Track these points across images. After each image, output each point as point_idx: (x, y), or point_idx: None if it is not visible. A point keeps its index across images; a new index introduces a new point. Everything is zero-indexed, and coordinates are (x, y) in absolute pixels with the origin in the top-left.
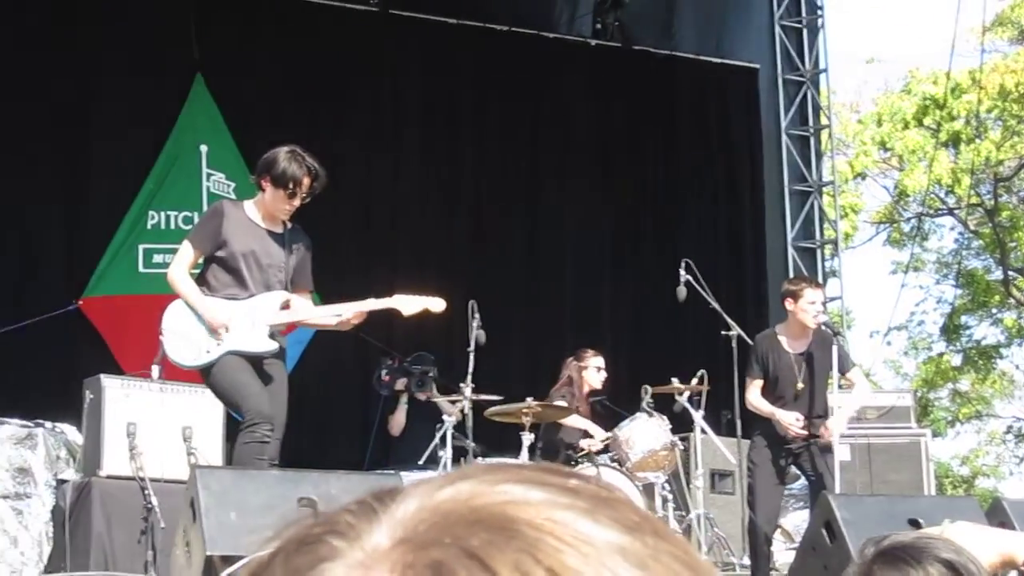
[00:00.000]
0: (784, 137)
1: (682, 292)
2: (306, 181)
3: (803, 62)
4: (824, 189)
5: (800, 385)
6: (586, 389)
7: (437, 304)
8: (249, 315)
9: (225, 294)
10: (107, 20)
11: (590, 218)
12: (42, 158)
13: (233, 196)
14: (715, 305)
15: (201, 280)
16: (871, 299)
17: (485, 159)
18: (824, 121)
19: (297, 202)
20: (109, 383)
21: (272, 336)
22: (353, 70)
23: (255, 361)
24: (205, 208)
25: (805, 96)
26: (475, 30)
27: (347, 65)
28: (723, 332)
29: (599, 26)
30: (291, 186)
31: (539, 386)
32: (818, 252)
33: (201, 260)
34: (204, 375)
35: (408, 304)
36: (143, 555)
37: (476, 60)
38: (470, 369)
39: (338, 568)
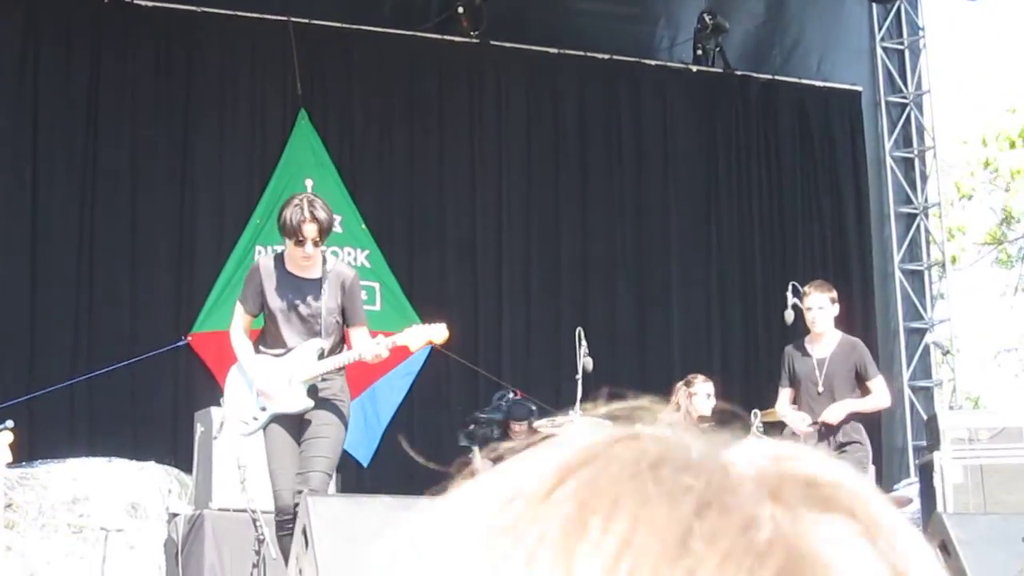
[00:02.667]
0: (888, 159)
1: (789, 316)
2: (307, 228)
3: (906, 83)
4: (930, 211)
5: (820, 389)
6: (696, 416)
7: (439, 333)
8: (286, 374)
9: (273, 352)
10: (211, 57)
11: (695, 243)
12: (151, 195)
13: (340, 229)
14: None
15: (259, 337)
16: (980, 321)
17: (588, 186)
18: (928, 143)
19: (308, 249)
20: (220, 416)
21: (312, 391)
22: (454, 101)
23: (298, 418)
24: None
25: (908, 117)
26: (576, 59)
27: (449, 96)
28: None
29: (700, 52)
30: (293, 234)
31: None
32: (925, 274)
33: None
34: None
35: (413, 338)
36: None
37: (578, 89)
38: (578, 397)
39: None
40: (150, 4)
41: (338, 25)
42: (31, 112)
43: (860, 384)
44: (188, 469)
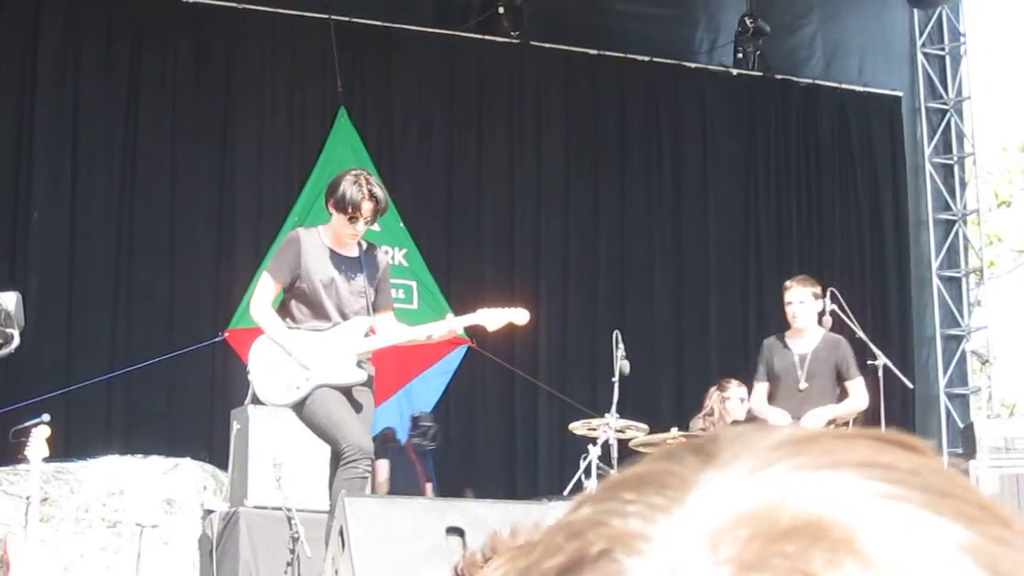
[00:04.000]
0: (928, 165)
1: (827, 321)
2: (366, 206)
3: (946, 90)
4: (968, 217)
5: (803, 385)
6: (729, 420)
7: (521, 316)
8: (335, 346)
9: (309, 326)
10: (252, 54)
11: (733, 246)
12: (190, 191)
13: (378, 227)
14: (861, 334)
15: (284, 312)
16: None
17: (626, 187)
18: (968, 149)
19: (360, 227)
20: (255, 413)
21: (360, 364)
22: (494, 101)
23: (346, 392)
24: None
25: (948, 124)
26: (615, 60)
27: (488, 96)
28: (869, 362)
29: (740, 55)
30: (351, 210)
31: (685, 416)
32: (963, 281)
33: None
34: (297, 411)
35: (493, 319)
36: None
37: (617, 90)
38: (615, 399)
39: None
40: (190, 0)
41: (379, 23)
42: (72, 105)
43: (839, 383)
44: (224, 466)
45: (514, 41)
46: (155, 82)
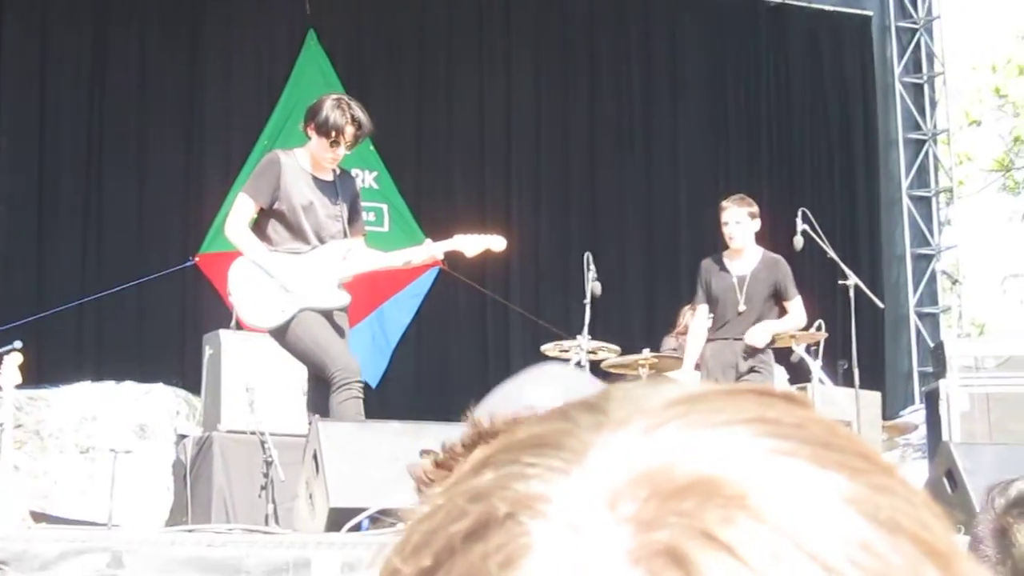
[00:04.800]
0: (898, 85)
1: (799, 241)
2: (349, 130)
3: (916, 9)
4: (939, 137)
5: (742, 307)
6: None
7: (498, 243)
8: (316, 269)
9: (287, 248)
10: None
11: (705, 167)
12: (156, 118)
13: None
14: (832, 254)
15: (260, 234)
16: (987, 248)
17: (597, 111)
18: (938, 69)
19: (341, 151)
20: (228, 338)
21: (340, 288)
22: (463, 22)
23: (327, 315)
24: None
25: (919, 44)
26: None
27: (458, 19)
28: (840, 281)
29: None
30: (333, 134)
31: (657, 337)
32: (933, 200)
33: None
34: (279, 335)
35: (470, 245)
36: (264, 508)
37: (588, 11)
38: (586, 321)
39: (540, 563)
40: None
41: None
42: (39, 31)
43: (777, 303)
44: (196, 391)
45: None
46: (123, 6)
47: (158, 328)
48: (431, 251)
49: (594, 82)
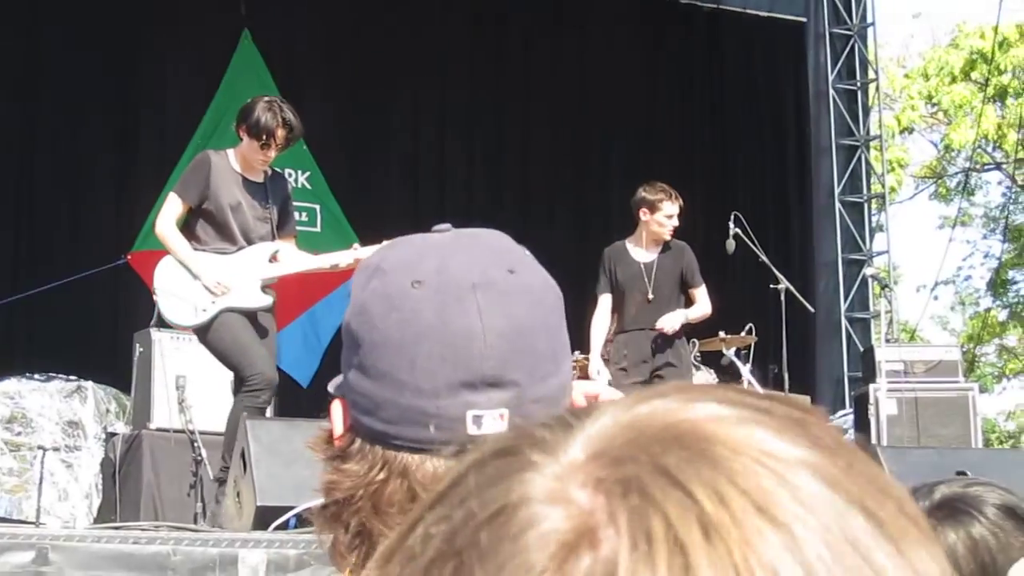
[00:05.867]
0: (831, 91)
1: (731, 245)
2: (280, 133)
3: (850, 16)
4: (871, 143)
5: (651, 295)
6: None
7: None
8: (241, 270)
9: (214, 248)
10: None
11: (638, 172)
12: (91, 115)
13: None
14: (764, 258)
15: (189, 233)
16: (918, 254)
17: (530, 114)
18: (871, 75)
19: (272, 153)
20: (159, 336)
21: (264, 290)
22: (398, 23)
23: (250, 316)
24: None
25: (852, 50)
26: None
27: (392, 17)
28: (771, 285)
29: None
30: (264, 137)
31: (586, 338)
32: (865, 206)
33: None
34: (201, 334)
35: None
36: (192, 507)
37: (523, 14)
38: None
39: (536, 479)
40: None
41: None
42: None
43: (684, 291)
44: (127, 389)
45: None
46: (57, 4)
47: (89, 325)
48: (357, 255)
49: (529, 84)
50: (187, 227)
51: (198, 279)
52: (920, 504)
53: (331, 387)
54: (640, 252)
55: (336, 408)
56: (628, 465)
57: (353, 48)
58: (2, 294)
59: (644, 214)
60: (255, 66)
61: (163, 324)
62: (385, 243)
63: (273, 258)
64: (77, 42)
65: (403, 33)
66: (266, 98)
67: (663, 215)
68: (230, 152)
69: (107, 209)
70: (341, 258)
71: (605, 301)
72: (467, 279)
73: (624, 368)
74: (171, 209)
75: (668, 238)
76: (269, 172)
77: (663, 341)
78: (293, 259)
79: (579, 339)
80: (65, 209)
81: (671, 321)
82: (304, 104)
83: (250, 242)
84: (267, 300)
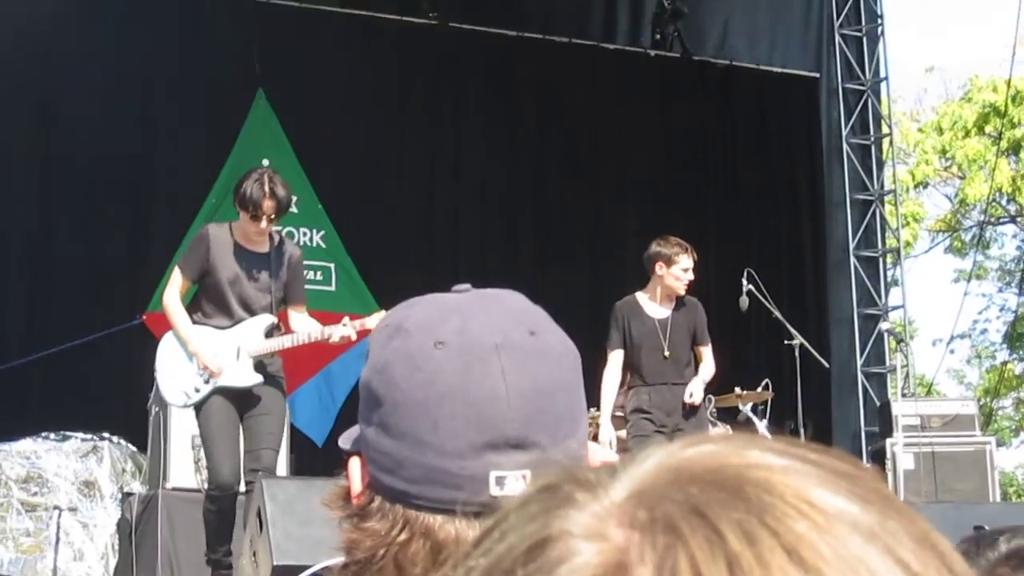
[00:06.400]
0: (845, 146)
1: (744, 302)
2: (266, 204)
3: (863, 71)
4: (886, 198)
5: (667, 352)
6: None
7: None
8: (233, 346)
9: (214, 323)
10: (170, 34)
11: (651, 230)
12: (106, 174)
13: (296, 209)
14: (778, 315)
15: (195, 306)
16: (934, 308)
17: (545, 171)
18: (885, 130)
19: (263, 224)
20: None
21: (259, 366)
22: (414, 84)
23: (245, 392)
24: None
25: (866, 105)
26: (535, 42)
27: (407, 78)
28: (786, 341)
29: (658, 36)
30: (251, 208)
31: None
32: (880, 261)
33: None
34: (195, 414)
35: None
36: (209, 568)
37: (536, 72)
38: None
39: (576, 515)
40: None
41: (298, 5)
42: None
43: (691, 347)
44: (143, 449)
45: (432, 22)
46: (70, 62)
47: (105, 385)
48: (346, 331)
49: (543, 142)
50: (195, 299)
51: (195, 355)
52: (986, 555)
53: (345, 443)
54: (654, 308)
55: (354, 465)
56: (663, 504)
57: (368, 106)
58: (18, 354)
59: (660, 268)
60: (270, 125)
61: (160, 400)
62: (405, 303)
63: (271, 332)
64: (91, 100)
65: (417, 89)
66: (258, 170)
67: (679, 268)
68: (234, 224)
69: (123, 269)
70: (334, 332)
71: (617, 357)
72: (490, 340)
73: (650, 417)
74: (175, 283)
75: (683, 293)
76: (276, 239)
77: (689, 409)
78: (291, 332)
79: (592, 395)
80: (81, 269)
81: (698, 392)
82: (319, 162)
83: (252, 314)
84: (257, 379)
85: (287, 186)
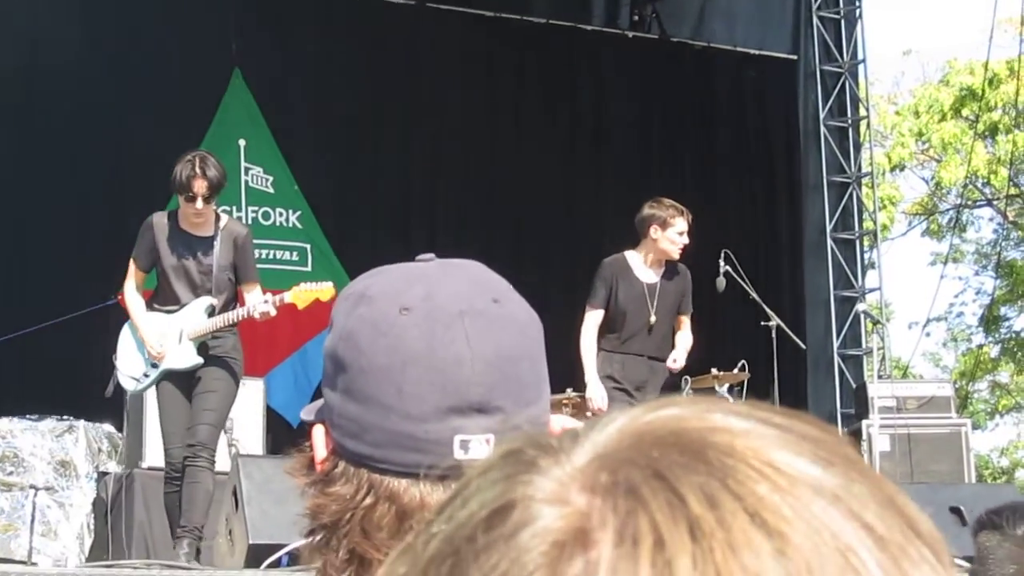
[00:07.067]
0: (822, 128)
1: (721, 283)
2: (197, 184)
3: (841, 53)
4: (862, 180)
5: (653, 318)
6: None
7: (326, 291)
8: (176, 329)
9: (165, 308)
10: (145, 13)
11: (628, 210)
12: (81, 155)
13: (272, 190)
14: (755, 295)
15: (154, 294)
16: (910, 290)
17: (522, 151)
18: (862, 112)
19: (199, 205)
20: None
21: (202, 348)
22: (390, 63)
23: (190, 374)
24: (244, 202)
25: (843, 87)
26: (512, 23)
27: (385, 58)
28: (762, 323)
29: (636, 18)
30: (183, 191)
31: (578, 386)
32: (857, 243)
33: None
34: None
35: (301, 296)
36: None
37: (513, 52)
38: None
39: (538, 480)
40: None
41: None
42: None
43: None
44: (119, 428)
45: (411, 2)
46: (50, 41)
47: (81, 365)
48: (264, 307)
49: (520, 121)
50: (156, 287)
51: (143, 340)
52: (1021, 526)
53: (308, 415)
54: (644, 271)
55: (318, 432)
56: (624, 468)
57: (345, 87)
58: None
59: (654, 231)
60: (246, 104)
61: (119, 387)
62: (369, 272)
63: (212, 312)
64: (68, 79)
65: (395, 71)
66: (190, 153)
67: (675, 232)
68: (179, 211)
69: (98, 248)
70: (256, 307)
71: (597, 317)
72: (454, 307)
73: (622, 387)
74: (130, 273)
75: (677, 257)
76: (224, 221)
77: (659, 372)
78: (236, 310)
79: (569, 376)
80: (56, 250)
81: (681, 359)
82: (295, 142)
83: (198, 297)
84: (197, 360)
85: (220, 165)
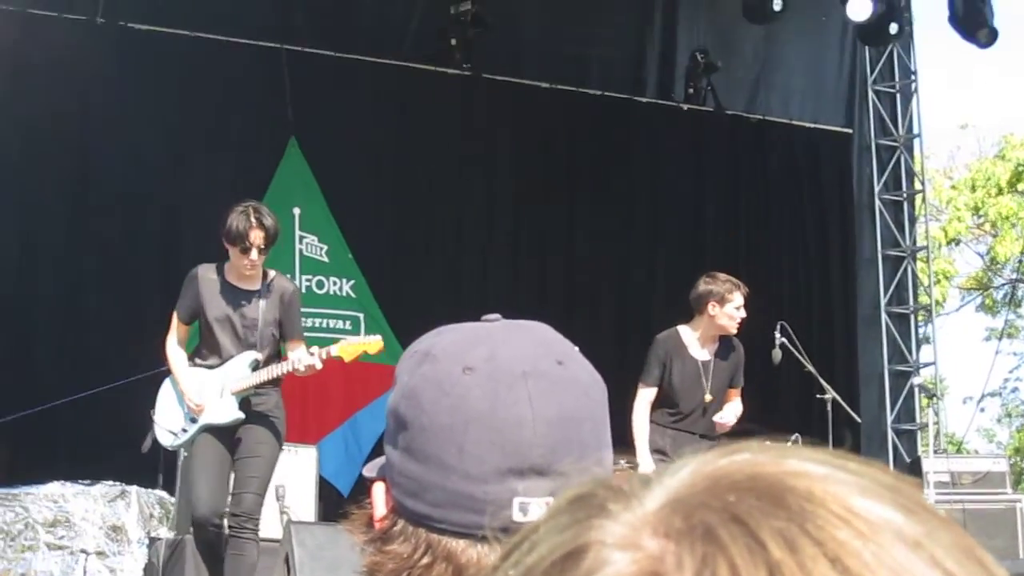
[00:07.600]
0: (877, 202)
1: (777, 355)
2: (253, 235)
3: (897, 127)
4: (918, 254)
5: (708, 397)
6: None
7: (374, 344)
8: (219, 384)
9: (208, 363)
10: (202, 81)
11: (683, 283)
12: (139, 222)
13: (326, 259)
14: (810, 368)
15: (196, 348)
16: (964, 366)
17: (576, 222)
18: (918, 186)
19: (254, 256)
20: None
21: (244, 404)
22: (445, 133)
23: (230, 430)
24: (298, 271)
25: (899, 161)
26: (567, 94)
27: (439, 128)
28: (817, 395)
29: (691, 90)
30: (238, 241)
31: (629, 451)
32: (911, 318)
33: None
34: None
35: (348, 350)
36: None
37: (568, 124)
38: None
39: (609, 525)
40: (144, 27)
41: (331, 54)
42: (22, 131)
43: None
44: (172, 494)
45: (466, 73)
46: (107, 109)
47: (135, 430)
48: (310, 360)
49: (573, 194)
50: (198, 341)
51: (183, 395)
52: None
53: (370, 471)
54: (698, 349)
55: (378, 489)
56: (700, 512)
57: (398, 155)
58: (48, 398)
59: (712, 307)
60: (301, 173)
61: (157, 444)
62: (434, 330)
63: (256, 367)
64: (126, 144)
65: (449, 141)
66: (242, 204)
67: (732, 307)
68: (227, 264)
69: (154, 314)
70: (301, 360)
71: (650, 394)
72: (518, 368)
73: (670, 460)
74: (172, 328)
75: (735, 332)
76: (270, 277)
77: (715, 433)
78: (279, 364)
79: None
80: (113, 314)
81: (728, 418)
82: (350, 211)
83: (239, 351)
84: (238, 415)
85: (274, 215)
